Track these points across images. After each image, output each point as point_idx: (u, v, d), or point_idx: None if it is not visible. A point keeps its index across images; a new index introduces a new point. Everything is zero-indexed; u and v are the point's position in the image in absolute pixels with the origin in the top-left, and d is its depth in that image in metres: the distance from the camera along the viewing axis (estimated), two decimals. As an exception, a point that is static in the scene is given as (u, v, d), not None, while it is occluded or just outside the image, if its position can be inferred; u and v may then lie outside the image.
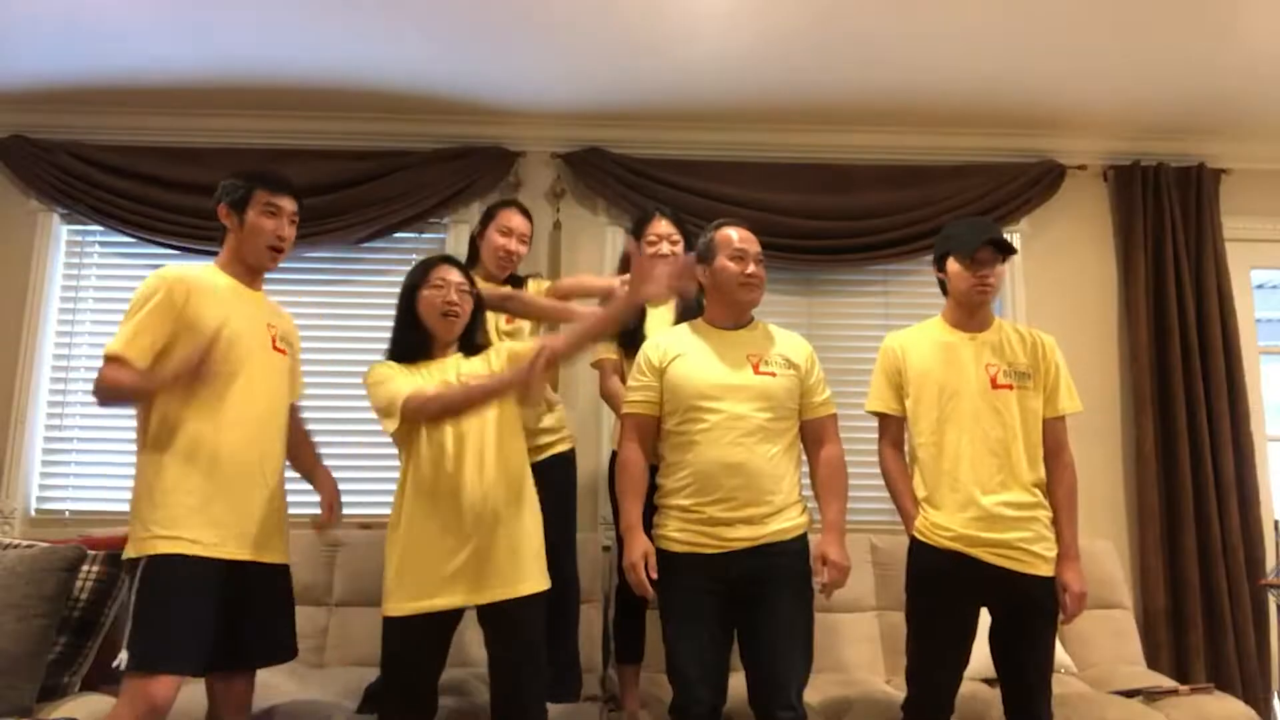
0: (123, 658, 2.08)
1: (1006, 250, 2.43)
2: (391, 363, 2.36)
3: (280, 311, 2.46)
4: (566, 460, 2.91)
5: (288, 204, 2.36)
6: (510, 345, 2.48)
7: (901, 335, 2.56)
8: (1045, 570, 2.31)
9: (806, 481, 2.44)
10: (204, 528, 2.14)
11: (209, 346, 2.07)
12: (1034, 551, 2.30)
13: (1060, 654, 3.13)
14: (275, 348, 2.33)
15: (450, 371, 2.35)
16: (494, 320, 2.90)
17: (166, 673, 2.06)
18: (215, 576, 2.14)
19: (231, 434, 2.20)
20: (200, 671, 2.17)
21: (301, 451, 2.50)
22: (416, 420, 2.24)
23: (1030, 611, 2.31)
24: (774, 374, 2.38)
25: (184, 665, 2.10)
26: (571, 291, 2.96)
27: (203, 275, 2.28)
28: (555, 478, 2.79)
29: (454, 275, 2.38)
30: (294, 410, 2.47)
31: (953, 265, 2.46)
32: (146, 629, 2.08)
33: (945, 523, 2.34)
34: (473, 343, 2.43)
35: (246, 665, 2.30)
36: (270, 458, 2.30)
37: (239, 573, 2.19)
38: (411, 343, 2.37)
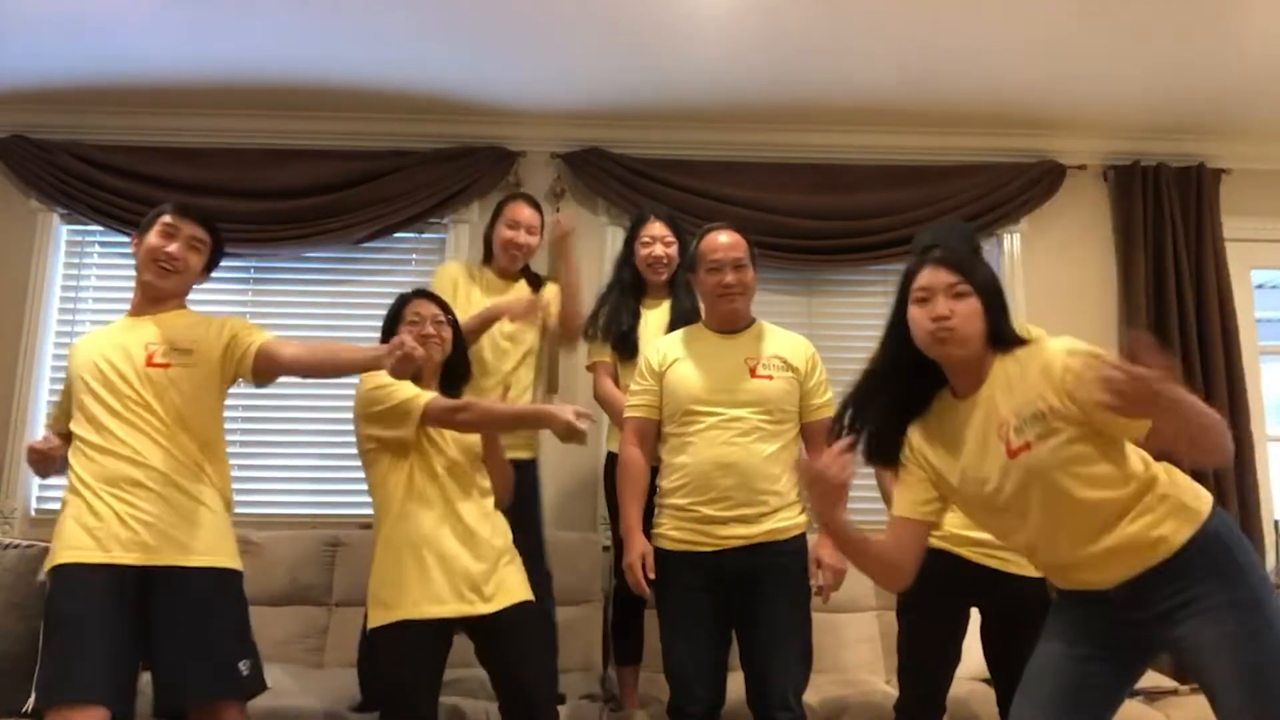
0: (31, 701, 1.99)
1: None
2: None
3: (187, 321, 2.32)
4: (525, 468, 2.88)
5: (190, 228, 2.31)
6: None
7: None
8: (1033, 570, 2.30)
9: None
10: (89, 536, 2.08)
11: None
12: None
13: (1060, 654, 3.12)
14: (153, 363, 2.21)
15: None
16: (496, 328, 2.91)
17: (72, 701, 1.93)
18: (115, 586, 2.05)
19: (115, 458, 2.14)
20: (117, 704, 2.00)
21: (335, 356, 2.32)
22: (443, 425, 2.28)
23: (1020, 611, 2.29)
24: (771, 377, 2.38)
25: (88, 691, 1.95)
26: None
27: (94, 334, 2.34)
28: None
29: (429, 309, 2.42)
30: (275, 351, 2.28)
31: None
32: (48, 659, 2.00)
33: None
34: (456, 371, 2.45)
35: (184, 697, 2.09)
36: (179, 465, 2.18)
37: (148, 581, 2.08)
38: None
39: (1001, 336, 1.78)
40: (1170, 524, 1.66)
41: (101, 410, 2.17)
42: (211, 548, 2.16)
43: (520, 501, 2.68)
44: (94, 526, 2.08)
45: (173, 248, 2.29)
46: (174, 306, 2.34)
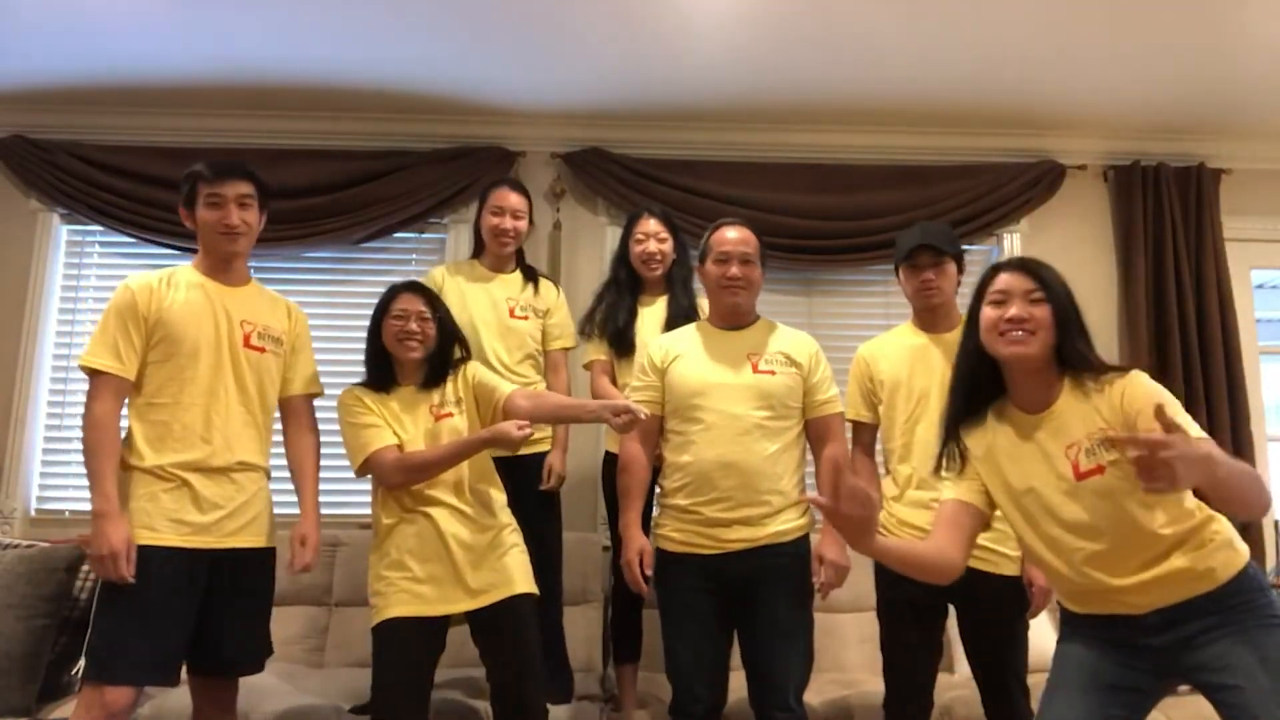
0: (82, 665, 2.03)
1: (942, 252, 2.42)
2: (364, 393, 2.38)
3: (274, 306, 2.43)
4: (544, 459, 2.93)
5: (230, 189, 2.28)
6: (479, 374, 2.46)
7: (871, 344, 2.58)
8: (1011, 570, 2.30)
9: (810, 481, 2.44)
10: (166, 520, 2.12)
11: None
12: (1000, 551, 2.28)
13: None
14: (250, 345, 2.31)
15: (420, 411, 2.37)
16: (492, 348, 2.88)
17: (124, 684, 2.02)
18: (183, 570, 2.11)
19: (193, 433, 2.19)
20: (171, 681, 2.12)
21: (297, 453, 2.44)
22: (376, 480, 2.33)
23: (998, 611, 2.30)
24: (773, 372, 2.37)
25: (143, 676, 2.06)
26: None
27: (171, 279, 2.27)
28: (535, 476, 2.85)
29: (415, 304, 2.39)
30: (299, 408, 2.43)
31: (901, 272, 2.50)
32: (105, 634, 2.05)
33: (911, 519, 2.36)
34: (441, 367, 2.43)
35: (227, 673, 2.25)
36: (241, 448, 2.26)
37: (212, 564, 2.16)
38: (378, 370, 2.41)
39: (1071, 355, 1.75)
40: (1220, 558, 1.69)
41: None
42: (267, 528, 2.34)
43: (539, 494, 2.74)
44: (177, 515, 2.15)
45: (231, 218, 2.28)
46: (245, 276, 2.40)
